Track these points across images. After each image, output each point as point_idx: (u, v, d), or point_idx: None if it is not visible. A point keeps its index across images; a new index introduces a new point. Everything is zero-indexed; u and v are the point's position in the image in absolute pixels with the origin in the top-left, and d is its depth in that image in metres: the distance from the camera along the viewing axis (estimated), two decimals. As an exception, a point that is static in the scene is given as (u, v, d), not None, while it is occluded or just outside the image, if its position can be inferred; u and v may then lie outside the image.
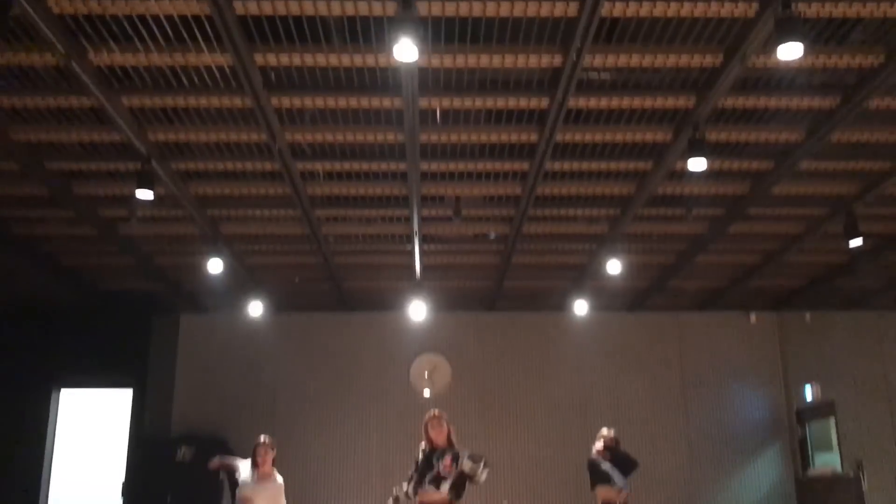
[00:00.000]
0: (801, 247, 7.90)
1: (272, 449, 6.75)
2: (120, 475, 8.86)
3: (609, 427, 8.01)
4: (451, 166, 6.32)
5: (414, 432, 6.65)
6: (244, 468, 6.76)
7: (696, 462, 9.80)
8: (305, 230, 7.46)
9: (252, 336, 10.02)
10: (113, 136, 5.71)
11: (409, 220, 7.20)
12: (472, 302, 10.08)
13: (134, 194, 5.97)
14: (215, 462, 6.92)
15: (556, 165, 6.28)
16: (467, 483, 5.93)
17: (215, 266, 7.69)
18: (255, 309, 9.33)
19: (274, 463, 6.85)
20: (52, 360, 9.08)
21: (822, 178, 6.62)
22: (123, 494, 8.76)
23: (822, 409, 9.50)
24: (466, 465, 5.84)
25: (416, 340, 10.14)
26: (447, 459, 5.96)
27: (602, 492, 7.74)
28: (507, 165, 6.31)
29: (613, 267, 7.92)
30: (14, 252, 7.74)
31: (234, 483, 7.02)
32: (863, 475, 8.69)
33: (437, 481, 5.94)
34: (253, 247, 8.04)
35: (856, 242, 7.00)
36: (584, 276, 8.82)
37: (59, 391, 9.24)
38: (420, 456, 6.22)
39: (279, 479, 6.87)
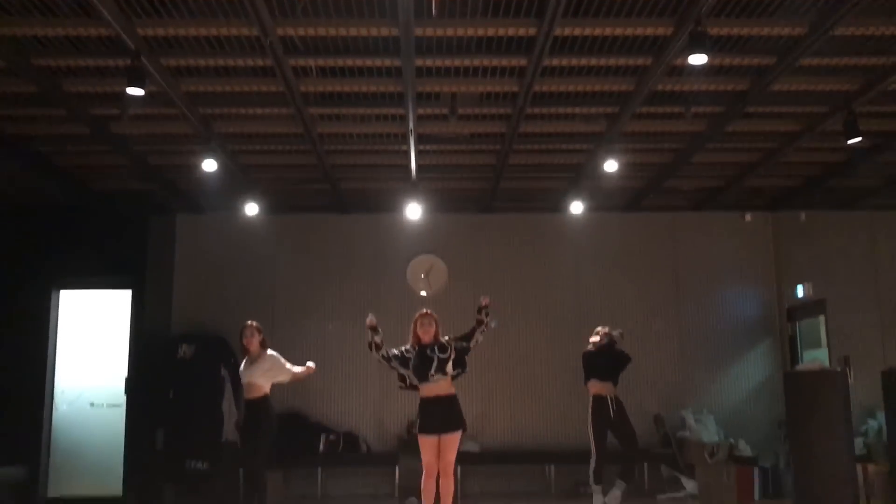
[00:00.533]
0: (798, 145, 7.85)
1: (258, 332, 7.17)
2: (123, 372, 9.03)
3: (605, 325, 8.19)
4: (447, 62, 6.20)
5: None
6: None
7: (687, 359, 10.02)
8: (299, 129, 7.37)
9: (249, 236, 10.06)
10: (101, 31, 5.56)
11: (404, 118, 7.12)
12: (469, 203, 10.08)
13: (125, 91, 5.88)
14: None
15: (555, 61, 6.16)
16: (471, 348, 6.55)
17: (209, 165, 7.67)
18: (251, 209, 9.35)
19: (263, 344, 7.17)
20: (50, 261, 9.11)
21: (823, 75, 6.51)
22: (127, 390, 8.96)
23: (812, 307, 9.65)
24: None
25: (413, 241, 10.19)
26: (445, 343, 6.48)
27: (594, 386, 7.97)
28: (505, 61, 6.19)
29: (610, 166, 7.90)
30: (5, 152, 7.67)
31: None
32: (849, 370, 8.88)
33: (441, 368, 6.27)
34: (247, 146, 7.97)
35: (855, 141, 6.97)
36: (580, 176, 8.80)
37: (59, 293, 9.30)
38: (409, 352, 6.46)
39: (270, 352, 7.19)
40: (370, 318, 6.62)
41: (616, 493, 7.80)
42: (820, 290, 9.64)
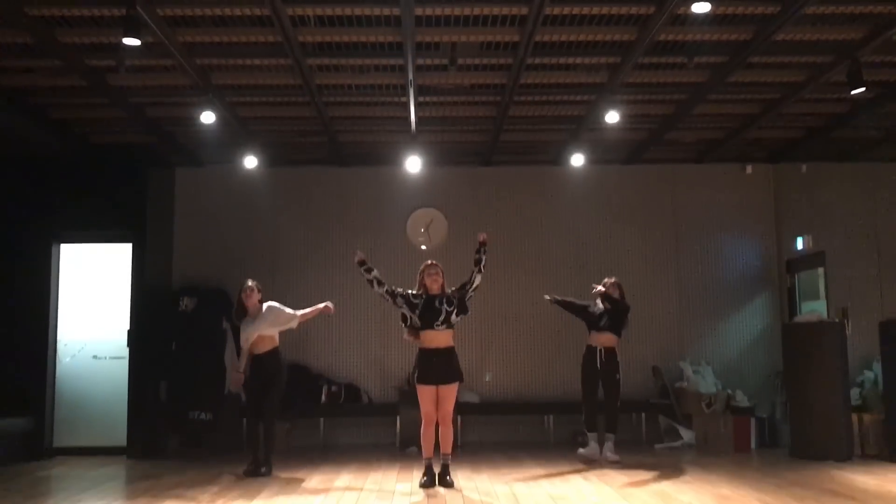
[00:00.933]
0: (801, 96, 7.80)
1: (257, 290, 7.35)
2: (125, 325, 9.08)
3: (611, 276, 8.25)
4: (447, 10, 6.13)
5: (411, 284, 6.86)
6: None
7: (685, 311, 10.08)
8: (298, 80, 7.31)
9: (249, 190, 10.04)
10: (95, -22, 5.49)
11: (403, 69, 7.05)
12: (469, 156, 10.04)
13: (121, 42, 5.83)
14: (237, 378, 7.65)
15: (556, 9, 6.09)
16: (471, 289, 6.71)
17: (208, 118, 7.64)
18: (251, 163, 9.32)
19: (261, 301, 7.35)
20: (49, 215, 9.10)
21: (828, 23, 6.44)
22: (130, 343, 9.02)
23: (812, 259, 9.68)
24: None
25: (413, 195, 10.18)
26: (451, 295, 6.64)
27: (591, 337, 8.06)
28: (506, 9, 6.12)
29: (612, 118, 7.86)
30: (2, 104, 7.61)
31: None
32: (847, 321, 8.96)
33: (447, 320, 6.41)
34: (245, 97, 7.90)
35: (858, 91, 6.92)
36: (581, 128, 8.75)
37: (59, 246, 9.31)
38: (417, 297, 6.57)
39: (268, 303, 7.36)
40: (358, 255, 6.75)
41: (609, 444, 7.94)
42: (819, 242, 9.65)
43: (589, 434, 8.02)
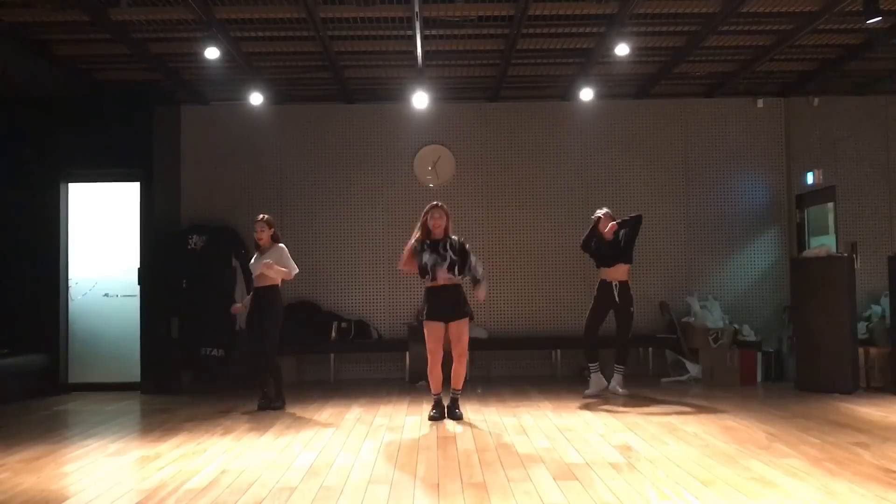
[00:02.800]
0: (815, 27, 7.63)
1: (268, 226, 7.40)
2: (135, 264, 9.15)
3: (602, 207, 8.18)
4: (454, -61, 5.99)
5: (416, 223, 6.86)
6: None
7: (694, 246, 10.07)
8: (301, 13, 7.19)
9: (255, 127, 10.00)
10: None
11: (409, 0, 6.92)
12: (476, 91, 9.93)
13: (121, -26, 5.73)
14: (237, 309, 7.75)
15: (565, -63, 5.94)
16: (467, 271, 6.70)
17: (212, 53, 7.55)
18: (256, 100, 9.25)
19: (274, 238, 7.39)
20: (56, 154, 9.09)
21: (845, -51, 6.28)
22: (140, 281, 9.10)
23: (822, 193, 9.61)
24: (478, 270, 6.71)
25: (420, 131, 10.11)
26: (461, 243, 6.68)
27: (602, 272, 8.04)
28: (513, -63, 5.97)
29: (622, 50, 7.72)
30: (3, 40, 7.53)
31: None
32: (856, 256, 8.95)
33: (452, 268, 6.42)
34: (249, 32, 7.78)
35: (874, 21, 6.77)
36: (590, 61, 8.61)
37: (67, 185, 9.32)
38: (421, 244, 6.54)
39: (278, 246, 7.39)
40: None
41: (617, 377, 7.96)
42: (830, 176, 9.57)
43: (591, 365, 8.01)
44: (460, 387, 6.83)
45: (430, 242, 6.63)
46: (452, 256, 6.58)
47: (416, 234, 6.71)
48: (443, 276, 6.59)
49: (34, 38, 7.78)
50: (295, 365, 9.57)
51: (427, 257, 6.59)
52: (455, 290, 6.68)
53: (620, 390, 7.88)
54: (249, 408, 7.39)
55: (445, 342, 6.72)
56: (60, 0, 6.71)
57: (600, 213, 8.05)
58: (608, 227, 7.89)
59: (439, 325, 6.65)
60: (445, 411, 6.74)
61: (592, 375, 7.97)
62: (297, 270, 7.54)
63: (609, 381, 7.96)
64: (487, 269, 9.71)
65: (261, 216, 7.57)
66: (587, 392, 7.93)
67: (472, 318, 6.82)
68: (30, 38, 7.72)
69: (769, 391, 8.37)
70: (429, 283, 6.67)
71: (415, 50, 8.09)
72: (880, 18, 6.74)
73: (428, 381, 6.88)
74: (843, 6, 7.07)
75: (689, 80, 9.62)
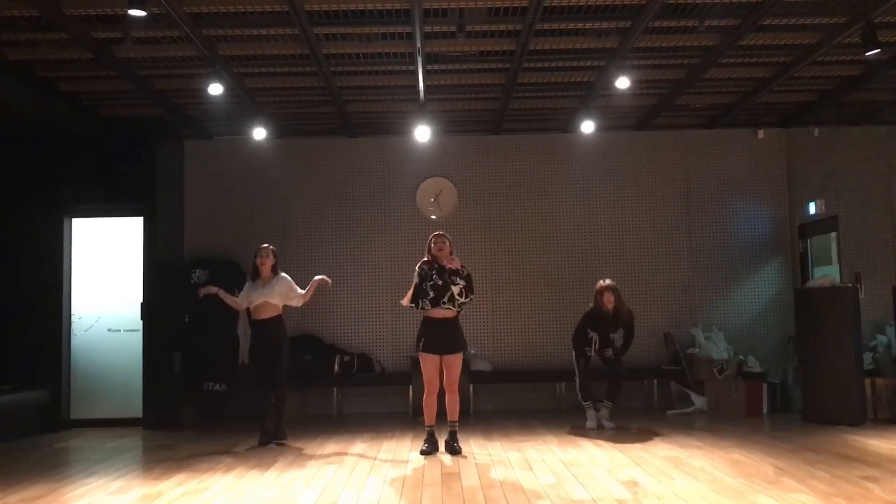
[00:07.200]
0: (814, 58, 7.68)
1: (273, 255, 7.43)
2: (138, 298, 9.13)
3: (605, 279, 8.22)
4: (455, -24, 6.06)
5: (422, 254, 6.91)
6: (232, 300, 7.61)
7: (697, 277, 10.04)
8: (305, 49, 7.25)
9: (258, 161, 10.04)
10: (98, -51, 5.44)
11: (411, 36, 6.99)
12: (478, 124, 9.98)
13: (126, 13, 5.79)
14: (210, 290, 7.58)
15: (565, -27, 6.00)
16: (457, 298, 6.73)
17: (215, 89, 7.59)
18: (259, 134, 9.29)
19: (275, 268, 7.40)
20: (60, 189, 9.13)
21: (842, -17, 6.34)
22: (143, 316, 9.08)
23: (824, 223, 9.61)
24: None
25: (422, 164, 10.15)
26: (454, 266, 6.68)
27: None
28: (513, -26, 6.04)
29: (622, 83, 7.77)
30: (10, 78, 7.60)
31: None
32: (860, 286, 8.92)
33: (452, 300, 6.47)
34: (252, 68, 7.85)
35: (873, 53, 6.82)
36: (591, 94, 8.66)
37: (71, 220, 9.35)
38: (426, 273, 6.62)
39: (283, 274, 7.43)
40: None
41: (604, 412, 8.06)
42: (832, 206, 9.58)
43: (585, 404, 8.11)
44: (457, 418, 6.85)
45: (439, 268, 6.70)
46: (454, 286, 6.65)
47: (418, 272, 6.81)
48: (441, 311, 6.65)
49: (40, 76, 7.85)
50: (298, 399, 9.50)
51: (430, 283, 6.65)
52: (452, 323, 6.73)
53: (607, 423, 7.99)
54: (252, 444, 7.34)
55: (441, 374, 6.77)
56: (66, 39, 6.78)
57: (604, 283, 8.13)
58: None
59: (435, 358, 6.70)
60: (438, 445, 6.75)
61: (589, 413, 8.09)
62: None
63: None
64: (490, 301, 9.78)
65: (266, 245, 7.66)
66: (588, 425, 8.01)
67: (465, 350, 6.93)
68: (35, 74, 7.79)
69: (775, 423, 8.30)
70: (427, 314, 6.71)
71: (417, 84, 8.15)
72: (879, 50, 6.79)
73: (422, 413, 6.89)
74: (842, 38, 7.12)
75: (689, 112, 9.67)
